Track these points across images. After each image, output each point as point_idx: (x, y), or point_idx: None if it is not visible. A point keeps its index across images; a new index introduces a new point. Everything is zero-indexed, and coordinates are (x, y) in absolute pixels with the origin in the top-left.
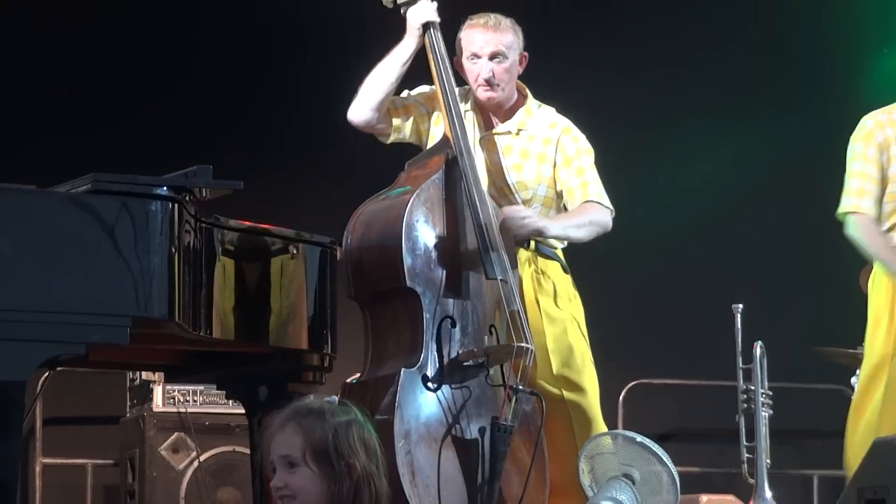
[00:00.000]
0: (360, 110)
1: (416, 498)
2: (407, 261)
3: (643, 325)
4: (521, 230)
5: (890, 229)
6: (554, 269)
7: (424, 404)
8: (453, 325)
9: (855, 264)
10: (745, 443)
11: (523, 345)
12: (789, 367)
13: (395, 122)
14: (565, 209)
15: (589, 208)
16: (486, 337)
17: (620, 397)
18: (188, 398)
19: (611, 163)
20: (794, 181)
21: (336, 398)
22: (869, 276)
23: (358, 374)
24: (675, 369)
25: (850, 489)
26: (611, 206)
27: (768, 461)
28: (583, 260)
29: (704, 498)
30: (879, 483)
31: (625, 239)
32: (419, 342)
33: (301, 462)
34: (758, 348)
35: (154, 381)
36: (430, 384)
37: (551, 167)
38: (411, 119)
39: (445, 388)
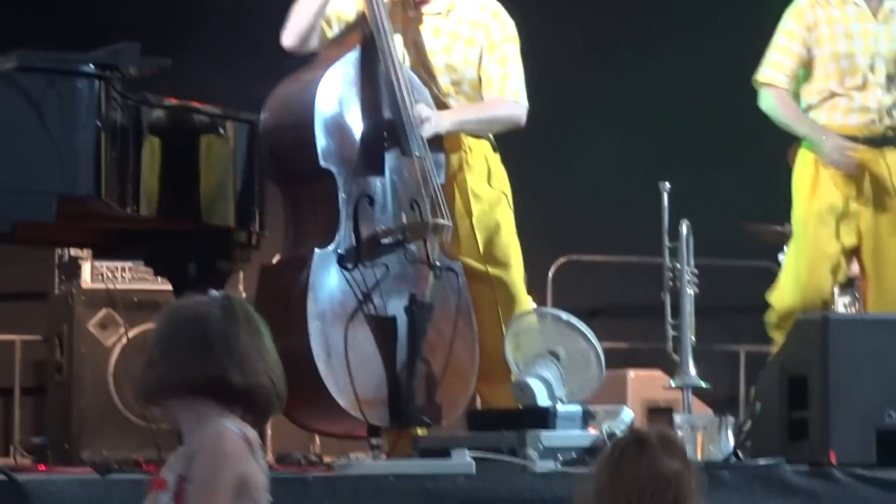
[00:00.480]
0: (291, 38)
1: (331, 378)
2: (320, 141)
3: (573, 202)
4: (421, 133)
5: (816, 108)
6: (483, 148)
7: (340, 284)
8: (371, 203)
9: (784, 141)
10: (670, 320)
11: (441, 221)
12: (717, 243)
13: (331, 34)
14: None
15: (497, 104)
16: (405, 214)
17: (549, 274)
18: (117, 275)
19: (546, 37)
20: (722, 56)
21: (220, 293)
22: (797, 151)
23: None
24: (605, 246)
25: (772, 366)
26: (525, 103)
27: (693, 338)
28: (513, 138)
29: (631, 373)
30: (801, 360)
31: (556, 115)
32: (335, 222)
33: None
34: (684, 226)
35: (82, 258)
36: (345, 263)
37: (479, 51)
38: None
39: (363, 266)
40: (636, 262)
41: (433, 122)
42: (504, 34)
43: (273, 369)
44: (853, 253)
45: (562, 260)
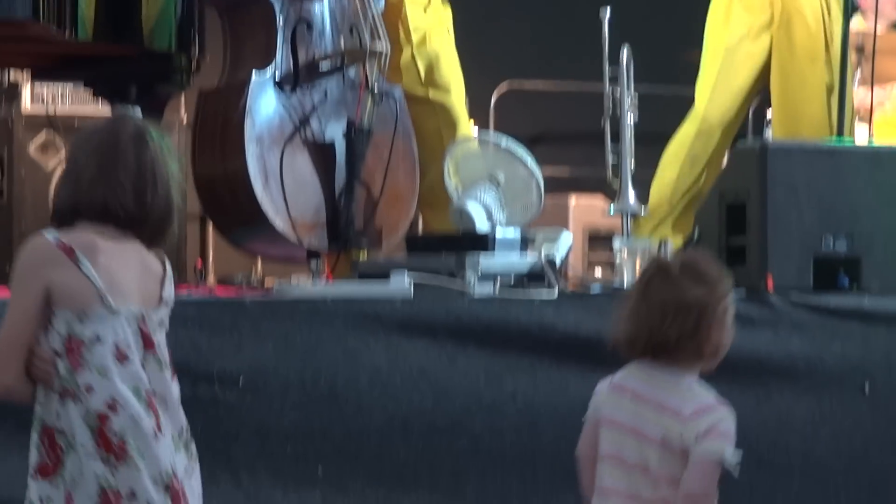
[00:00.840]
0: None
1: (268, 201)
2: None
3: (516, 28)
4: None
5: None
6: None
7: (278, 108)
8: (309, 28)
9: None
10: (610, 146)
11: (379, 46)
12: (660, 70)
13: None
14: None
15: None
16: (343, 39)
17: (492, 100)
18: (57, 99)
19: None
20: None
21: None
22: None
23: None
24: (548, 72)
25: (711, 195)
26: None
27: (633, 164)
28: None
29: (573, 199)
30: (740, 188)
31: None
32: (273, 46)
33: None
34: (625, 52)
35: (22, 82)
36: (283, 88)
37: None
38: None
39: (301, 91)
40: (579, 89)
41: None
42: None
43: (173, 195)
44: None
45: (504, 86)
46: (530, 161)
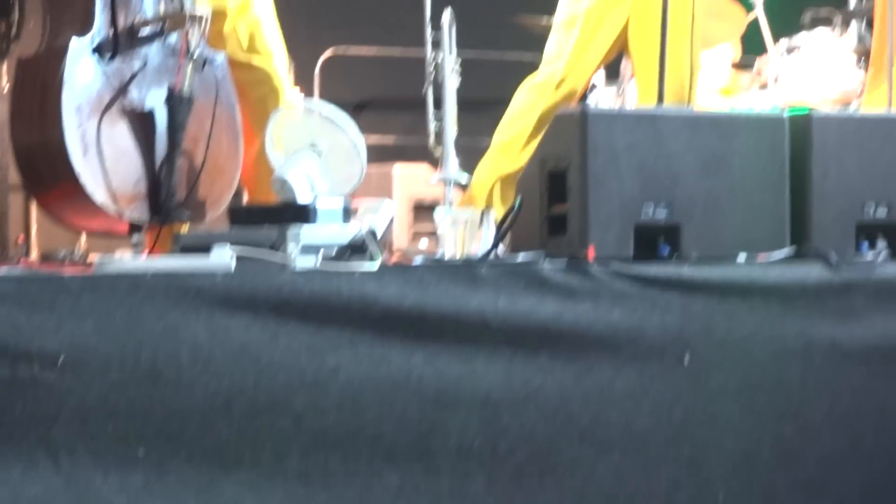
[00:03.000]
0: None
1: (87, 173)
2: None
3: None
4: None
5: None
6: None
7: (96, 76)
8: None
9: None
10: (432, 113)
11: (200, 11)
12: (486, 35)
13: None
14: None
15: None
16: (163, 3)
17: (317, 67)
18: None
19: None
20: None
21: None
22: None
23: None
24: (372, 39)
25: (532, 161)
26: None
27: (456, 131)
28: None
29: (398, 168)
30: (561, 155)
31: None
32: (90, 12)
33: None
34: (447, 15)
35: None
36: (102, 54)
37: None
38: None
39: (121, 59)
40: (403, 55)
41: None
42: None
43: None
44: (623, 44)
45: (329, 52)
46: (353, 129)
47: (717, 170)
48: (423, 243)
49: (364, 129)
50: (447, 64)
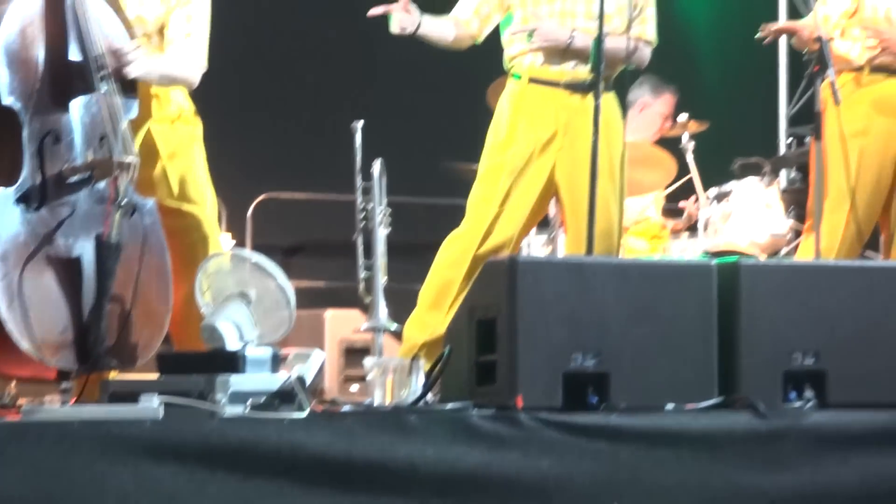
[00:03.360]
0: None
1: (12, 321)
2: (2, 77)
3: (272, 139)
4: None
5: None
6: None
7: (24, 225)
8: (57, 140)
9: (483, 81)
10: (362, 261)
11: (128, 158)
12: (417, 181)
13: None
14: None
15: (182, 60)
16: (92, 151)
17: (249, 211)
18: None
19: None
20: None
21: None
22: (494, 91)
23: None
24: (305, 184)
25: (461, 310)
26: (206, 64)
27: (385, 278)
28: (207, 79)
29: (329, 313)
30: (490, 303)
31: (255, 54)
32: (19, 161)
33: None
34: (377, 165)
35: None
36: (30, 204)
37: (167, 7)
38: None
39: (49, 206)
40: (335, 200)
41: (129, 67)
42: None
43: None
44: (551, 194)
45: (261, 197)
46: (282, 277)
47: (646, 318)
48: (355, 388)
49: (296, 273)
50: (376, 213)
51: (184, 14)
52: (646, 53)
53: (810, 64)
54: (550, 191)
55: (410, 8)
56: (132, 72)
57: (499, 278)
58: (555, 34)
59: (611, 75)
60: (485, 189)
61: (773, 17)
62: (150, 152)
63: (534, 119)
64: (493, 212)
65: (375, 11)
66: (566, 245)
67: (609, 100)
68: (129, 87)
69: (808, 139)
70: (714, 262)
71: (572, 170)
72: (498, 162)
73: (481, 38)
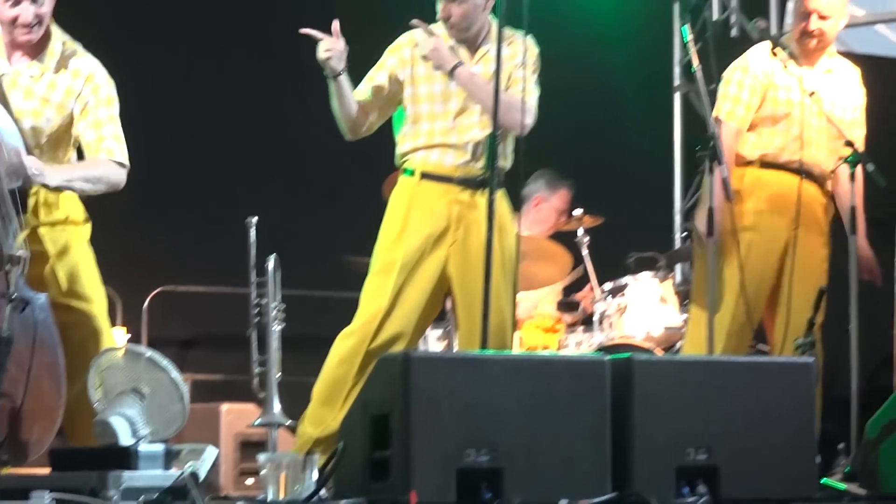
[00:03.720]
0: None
1: None
2: None
3: (168, 232)
4: (26, 182)
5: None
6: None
7: None
8: None
9: (377, 175)
10: (256, 356)
11: (18, 252)
12: (313, 274)
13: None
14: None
15: (99, 164)
16: None
17: (145, 305)
18: None
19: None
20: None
21: None
22: (390, 185)
23: None
24: (201, 277)
25: (355, 405)
26: (127, 163)
27: (280, 373)
28: None
29: (224, 407)
30: (384, 399)
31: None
32: None
33: None
34: (271, 261)
35: None
36: None
37: (69, 116)
38: None
39: None
40: (231, 293)
41: (38, 176)
42: (97, 98)
43: None
44: (445, 288)
45: (157, 290)
46: (175, 372)
47: (540, 414)
48: (250, 482)
49: (192, 366)
50: (270, 308)
51: (90, 122)
52: (528, 121)
53: (704, 160)
54: (444, 285)
55: (341, 46)
56: (51, 181)
57: (392, 374)
58: (444, 55)
59: (503, 171)
60: (377, 284)
61: (669, 112)
62: (38, 252)
63: (426, 214)
64: (386, 307)
65: (308, 31)
66: (458, 340)
67: (501, 196)
68: (22, 190)
69: None
70: (607, 357)
71: (465, 265)
72: (391, 257)
73: (374, 129)
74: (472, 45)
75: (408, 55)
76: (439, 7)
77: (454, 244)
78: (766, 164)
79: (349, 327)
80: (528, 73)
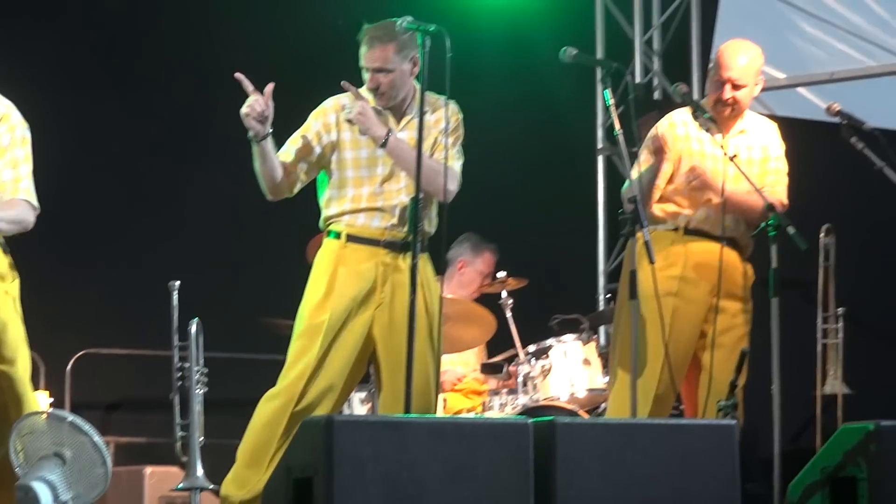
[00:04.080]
0: None
1: None
2: None
3: (91, 296)
4: None
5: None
6: None
7: None
8: None
9: (301, 238)
10: (179, 420)
11: None
12: (239, 337)
13: None
14: None
15: (17, 204)
16: None
17: (68, 368)
18: None
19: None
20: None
21: None
22: (313, 247)
23: None
24: (125, 340)
25: (279, 467)
26: (37, 206)
27: (202, 438)
28: (27, 234)
29: (148, 470)
30: (307, 462)
31: (68, 209)
32: None
33: None
34: (193, 325)
35: None
36: None
37: None
38: None
39: None
40: (155, 356)
41: None
42: (13, 137)
43: None
44: (370, 351)
45: (81, 353)
46: (97, 436)
47: (463, 477)
48: None
49: (116, 429)
50: (193, 372)
51: (7, 160)
52: (452, 187)
53: (626, 223)
54: (369, 347)
55: (265, 110)
56: None
57: (315, 437)
58: (373, 122)
59: (427, 235)
60: (302, 346)
61: (592, 175)
62: None
63: (352, 276)
64: (311, 369)
65: (241, 77)
66: (381, 403)
67: (424, 259)
68: None
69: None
70: (530, 420)
71: (390, 327)
72: (317, 319)
73: (295, 191)
74: (399, 111)
75: (333, 120)
76: (367, 77)
77: (380, 307)
78: (689, 231)
79: (274, 389)
80: (451, 140)
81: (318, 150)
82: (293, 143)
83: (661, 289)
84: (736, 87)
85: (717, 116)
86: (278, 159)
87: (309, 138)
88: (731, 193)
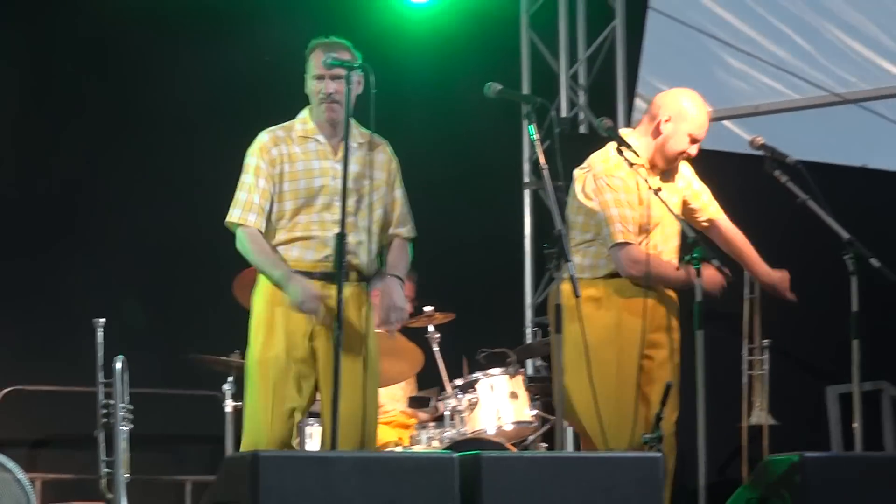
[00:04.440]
0: None
1: None
2: None
3: (16, 332)
4: None
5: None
6: None
7: None
8: None
9: (227, 272)
10: (104, 457)
11: None
12: (166, 373)
13: None
14: None
15: None
16: None
17: None
18: None
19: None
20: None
21: None
22: (240, 283)
23: None
24: (53, 376)
25: (204, 502)
26: None
27: (128, 474)
28: None
29: None
30: (231, 497)
31: None
32: None
33: None
34: (119, 363)
35: None
36: None
37: None
38: None
39: None
40: (81, 392)
41: None
42: None
43: None
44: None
45: (6, 390)
46: (21, 474)
47: None
48: None
49: (42, 466)
50: (118, 409)
51: None
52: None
53: (552, 257)
54: (313, 376)
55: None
56: None
57: (240, 473)
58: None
59: (363, 267)
60: (257, 397)
61: (519, 209)
62: None
63: (289, 312)
64: (269, 417)
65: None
66: (322, 436)
67: (360, 291)
68: None
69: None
70: (455, 454)
71: (327, 359)
72: (263, 368)
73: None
74: (333, 136)
75: (276, 154)
76: (319, 87)
77: (318, 339)
78: (615, 274)
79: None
80: (398, 181)
81: (275, 188)
82: (257, 190)
83: (603, 336)
84: (695, 142)
85: (668, 165)
86: (262, 219)
87: (266, 184)
88: (659, 230)
